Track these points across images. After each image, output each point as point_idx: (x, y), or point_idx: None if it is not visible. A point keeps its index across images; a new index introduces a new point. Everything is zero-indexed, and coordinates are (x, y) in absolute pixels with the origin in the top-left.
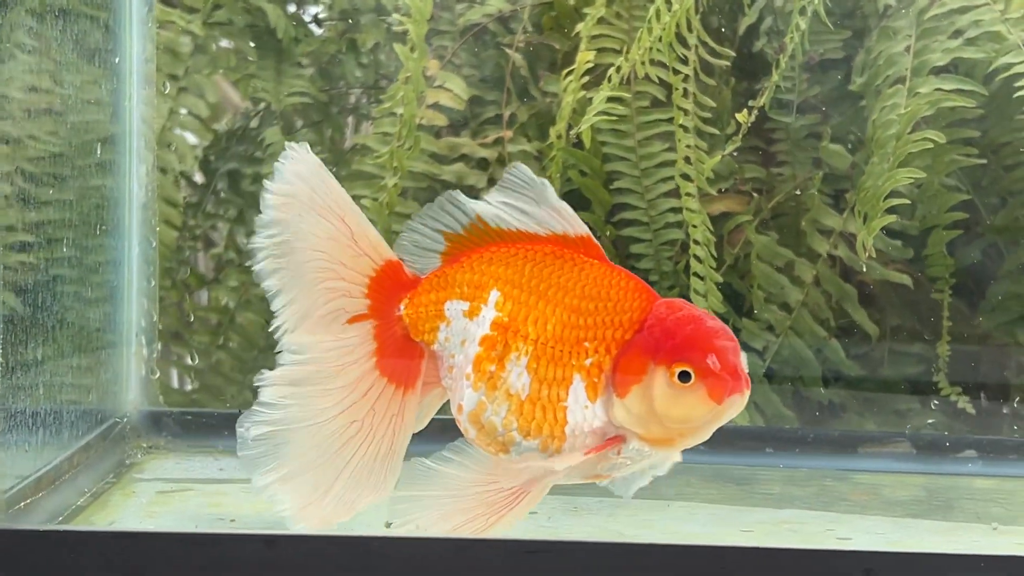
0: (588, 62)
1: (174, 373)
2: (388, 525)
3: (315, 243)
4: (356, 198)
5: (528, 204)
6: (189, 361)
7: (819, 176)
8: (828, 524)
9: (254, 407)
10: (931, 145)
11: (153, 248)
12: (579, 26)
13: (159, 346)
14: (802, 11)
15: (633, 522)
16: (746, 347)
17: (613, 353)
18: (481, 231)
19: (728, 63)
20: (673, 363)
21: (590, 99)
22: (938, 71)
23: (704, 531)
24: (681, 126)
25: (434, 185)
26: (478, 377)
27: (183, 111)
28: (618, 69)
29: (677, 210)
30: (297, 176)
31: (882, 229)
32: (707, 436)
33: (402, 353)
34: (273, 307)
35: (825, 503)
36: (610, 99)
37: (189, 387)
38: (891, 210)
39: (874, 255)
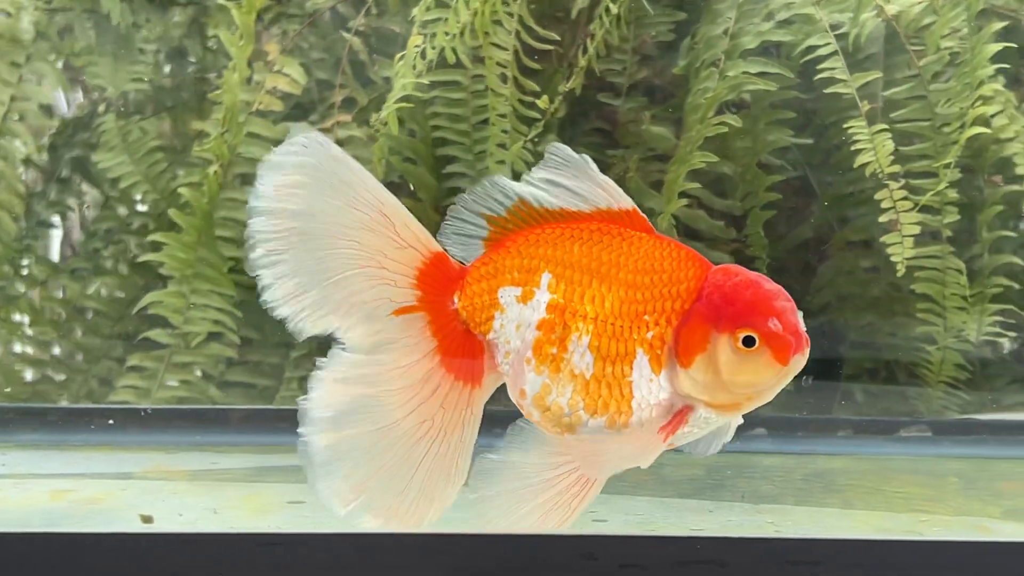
0: (417, 46)
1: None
2: (146, 519)
3: (341, 231)
4: (192, 186)
5: (571, 180)
6: (31, 351)
7: (635, 159)
8: (593, 505)
9: (311, 414)
10: (726, 129)
11: None
12: (415, 10)
13: None
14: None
15: None
16: None
17: (674, 324)
18: (524, 212)
19: (555, 47)
20: (736, 329)
21: (429, 83)
22: (761, 52)
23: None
24: (498, 112)
25: None
26: (540, 361)
27: (24, 99)
28: (423, 55)
29: None
30: (304, 166)
31: (709, 210)
32: (771, 398)
33: (465, 349)
34: (277, 296)
35: (607, 484)
36: (446, 83)
37: (31, 377)
38: (683, 194)
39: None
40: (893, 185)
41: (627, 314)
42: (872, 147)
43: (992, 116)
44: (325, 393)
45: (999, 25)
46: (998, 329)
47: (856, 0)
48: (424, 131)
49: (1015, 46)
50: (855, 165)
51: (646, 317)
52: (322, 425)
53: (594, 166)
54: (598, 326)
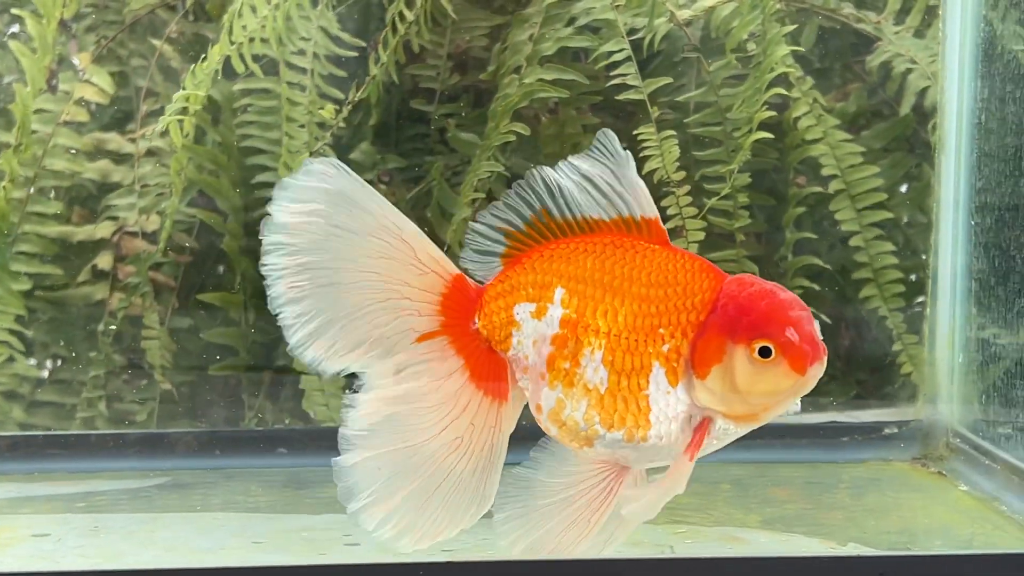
0: (225, 54)
1: None
2: None
3: (361, 263)
4: None
5: (607, 177)
6: None
7: (439, 164)
8: (350, 528)
9: (346, 434)
10: (513, 138)
11: None
12: (225, 16)
13: None
14: (409, 3)
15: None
16: None
17: (690, 336)
18: (542, 226)
19: (358, 55)
20: (752, 340)
21: (241, 91)
22: (573, 58)
23: (212, 545)
24: (297, 122)
25: (83, 183)
26: (554, 376)
27: None
28: (201, 60)
29: None
30: (320, 192)
31: None
32: (788, 407)
33: (491, 366)
34: (301, 338)
35: None
36: (257, 91)
37: None
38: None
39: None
40: (679, 191)
41: (641, 327)
42: (660, 153)
43: (798, 118)
44: (360, 415)
45: (788, 28)
46: None
47: (650, 5)
48: (228, 141)
49: (802, 49)
50: (643, 172)
51: (661, 330)
52: (356, 444)
53: (634, 166)
54: (611, 340)
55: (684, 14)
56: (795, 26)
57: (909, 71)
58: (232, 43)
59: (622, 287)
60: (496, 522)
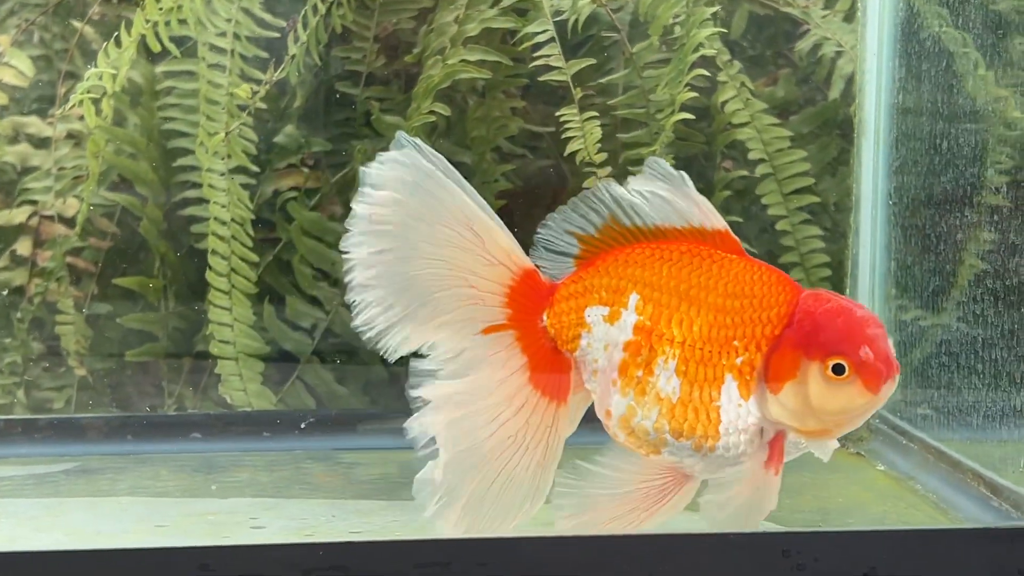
0: (141, 34)
1: None
2: None
3: (430, 251)
4: None
5: (668, 193)
6: None
7: (362, 147)
8: (258, 511)
9: (411, 435)
10: (433, 118)
11: None
12: None
13: None
14: None
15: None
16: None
17: (764, 350)
18: (615, 232)
19: (279, 35)
20: (827, 357)
21: (164, 73)
22: (502, 40)
23: (114, 529)
24: (214, 102)
25: (2, 167)
26: (625, 383)
27: None
28: (118, 43)
29: (245, 187)
30: (398, 182)
31: None
32: (860, 424)
33: (553, 366)
34: (370, 319)
35: (279, 488)
36: (179, 73)
37: None
38: None
39: None
40: (601, 172)
41: (716, 339)
42: (582, 135)
43: (725, 102)
44: (430, 423)
45: (711, 10)
46: None
47: None
48: (149, 124)
49: (724, 31)
50: (565, 153)
51: (736, 342)
52: (421, 445)
53: (691, 183)
54: (685, 350)
55: None
56: (717, 8)
57: (838, 55)
58: (147, 22)
59: (698, 296)
60: (553, 497)
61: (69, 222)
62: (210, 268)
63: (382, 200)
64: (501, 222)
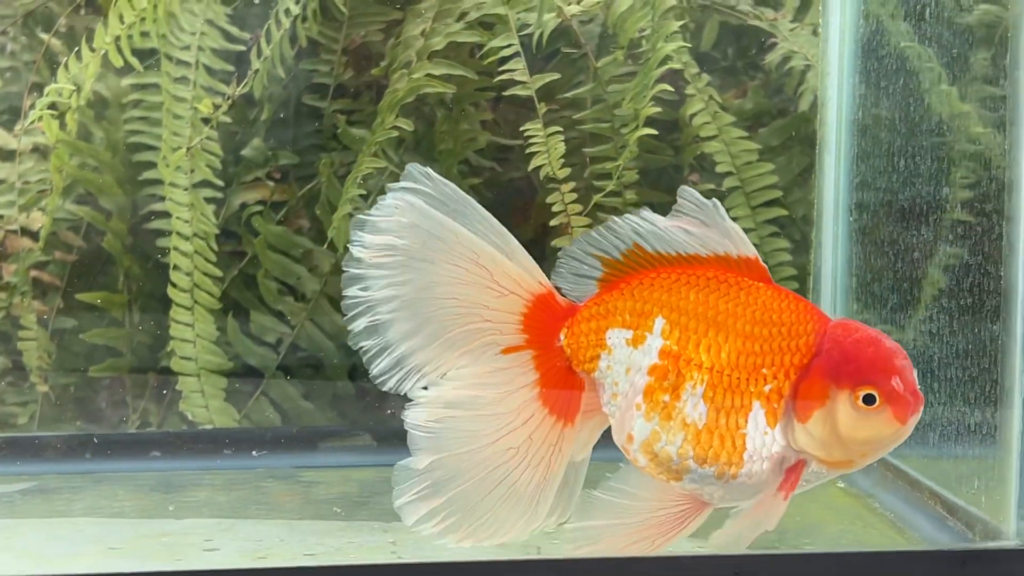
0: (104, 48)
1: None
2: None
3: (440, 291)
4: None
5: (696, 226)
6: None
7: (327, 161)
8: (213, 532)
9: (414, 435)
10: (396, 133)
11: None
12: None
13: None
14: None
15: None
16: (260, 341)
17: (792, 378)
18: (639, 257)
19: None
20: (857, 387)
21: (131, 86)
22: (469, 53)
23: (67, 551)
24: (174, 114)
25: None
26: (650, 407)
27: None
28: (79, 57)
29: (211, 200)
30: (397, 226)
31: None
32: (883, 455)
33: (564, 385)
34: (384, 369)
35: (236, 508)
36: (146, 86)
37: None
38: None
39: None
40: (564, 188)
41: (744, 366)
42: (546, 149)
43: (693, 115)
44: (424, 416)
45: (675, 24)
46: None
47: (540, 0)
48: (114, 137)
49: (689, 45)
50: (530, 168)
51: (764, 370)
52: (423, 446)
53: (723, 211)
54: (713, 376)
55: (573, 9)
56: (684, 22)
57: (808, 68)
58: (108, 37)
59: (726, 323)
60: (566, 529)
61: (35, 236)
62: (172, 284)
63: (378, 244)
64: (514, 244)
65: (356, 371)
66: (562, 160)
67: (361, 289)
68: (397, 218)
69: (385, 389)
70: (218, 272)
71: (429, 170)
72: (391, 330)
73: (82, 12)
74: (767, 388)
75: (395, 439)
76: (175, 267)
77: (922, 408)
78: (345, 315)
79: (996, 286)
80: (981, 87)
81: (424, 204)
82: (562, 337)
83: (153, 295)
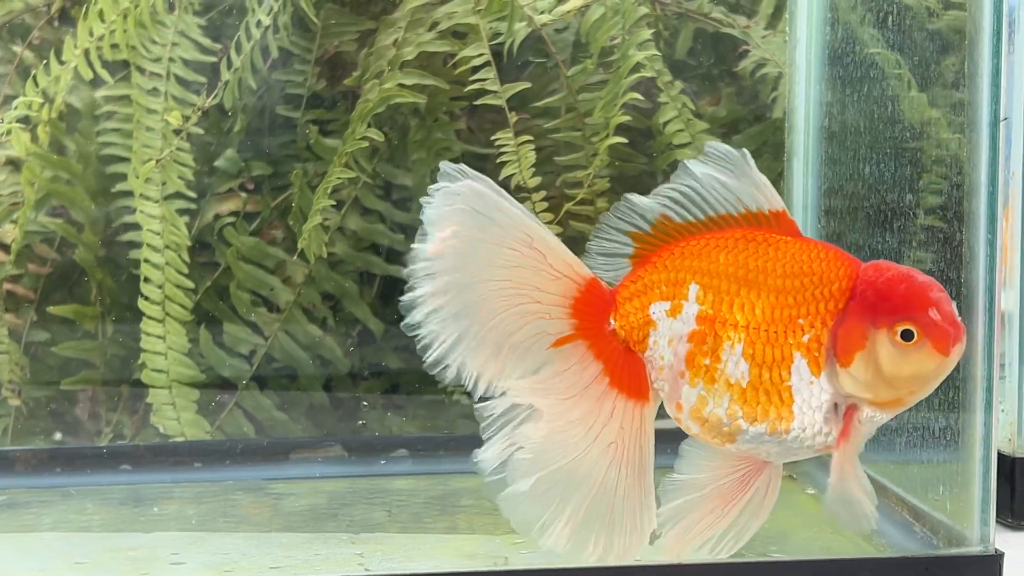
0: (74, 60)
1: None
2: None
3: (494, 274)
4: None
5: (728, 177)
6: None
7: (299, 171)
8: (181, 546)
9: (508, 454)
10: (366, 144)
11: None
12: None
13: None
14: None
15: None
16: (233, 352)
17: (829, 325)
18: (668, 227)
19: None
20: (895, 323)
21: (104, 98)
22: (442, 63)
23: (33, 566)
24: (146, 126)
25: None
26: (694, 373)
27: None
28: (47, 70)
29: (184, 212)
30: (457, 213)
31: (388, 222)
32: (932, 390)
33: (629, 367)
34: (442, 353)
35: (204, 521)
36: (118, 98)
37: None
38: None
39: (323, 253)
40: (535, 197)
41: (780, 319)
42: (517, 159)
43: (667, 123)
44: (505, 441)
45: (646, 32)
46: None
47: (510, 10)
48: (86, 150)
49: (659, 54)
50: (499, 177)
51: (800, 320)
52: (519, 470)
53: (751, 162)
54: (750, 333)
55: (543, 19)
56: (656, 30)
57: (780, 75)
58: (79, 49)
59: (757, 280)
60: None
61: (7, 248)
62: (143, 296)
63: (444, 235)
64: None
65: (330, 382)
66: (533, 169)
67: (425, 280)
68: (453, 206)
69: (446, 382)
70: (190, 284)
71: (463, 165)
72: (446, 319)
73: (55, 24)
74: (806, 338)
75: (365, 450)
76: (146, 279)
77: (965, 338)
78: (404, 305)
79: (957, 291)
80: (948, 92)
81: (483, 188)
82: (613, 321)
83: (126, 307)
